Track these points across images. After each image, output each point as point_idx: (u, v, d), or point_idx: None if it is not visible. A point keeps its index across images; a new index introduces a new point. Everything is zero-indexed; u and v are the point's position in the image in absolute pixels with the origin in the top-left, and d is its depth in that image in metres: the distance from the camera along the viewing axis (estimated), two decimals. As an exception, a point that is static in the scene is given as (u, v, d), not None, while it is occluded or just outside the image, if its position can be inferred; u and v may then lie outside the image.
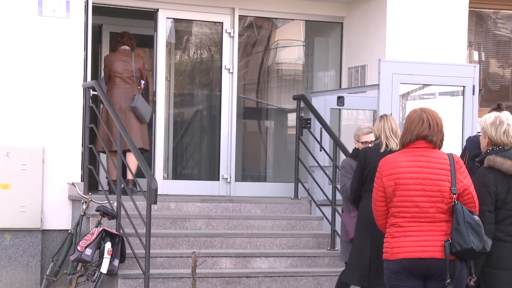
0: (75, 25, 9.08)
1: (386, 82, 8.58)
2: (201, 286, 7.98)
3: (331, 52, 11.11)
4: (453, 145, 7.06)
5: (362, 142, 7.41)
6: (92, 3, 9.35)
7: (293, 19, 11.16)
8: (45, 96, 8.96)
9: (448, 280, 4.88)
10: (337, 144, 9.10)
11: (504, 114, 5.70)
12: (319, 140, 9.69)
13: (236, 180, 10.44)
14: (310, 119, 9.82)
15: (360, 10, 10.60)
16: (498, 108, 6.23)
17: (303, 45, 11.49)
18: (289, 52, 11.71)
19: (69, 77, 9.04)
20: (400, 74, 8.71)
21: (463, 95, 8.88)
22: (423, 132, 5.04)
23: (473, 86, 8.84)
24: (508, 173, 5.33)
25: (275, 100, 11.52)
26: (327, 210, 9.05)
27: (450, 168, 4.97)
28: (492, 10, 10.98)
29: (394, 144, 6.65)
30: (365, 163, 6.72)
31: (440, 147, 5.10)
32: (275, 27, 11.42)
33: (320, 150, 9.68)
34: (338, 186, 7.79)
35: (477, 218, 4.93)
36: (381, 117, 6.81)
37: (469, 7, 10.46)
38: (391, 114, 7.80)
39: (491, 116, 5.63)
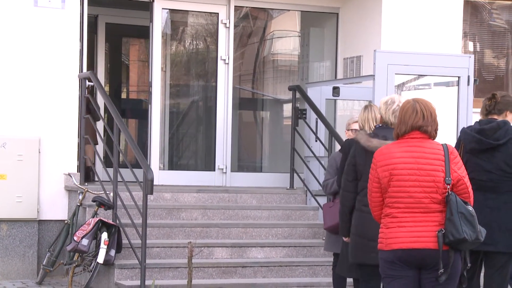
0: (70, 15, 9.07)
1: (382, 72, 8.59)
2: (197, 276, 8.00)
3: (327, 42, 11.10)
4: (448, 135, 7.07)
5: (351, 130, 7.35)
6: (88, -6, 9.35)
7: (288, 10, 11.15)
8: (41, 87, 8.96)
9: (441, 270, 4.89)
10: (333, 134, 9.12)
11: (402, 97, 5.87)
12: (314, 130, 9.70)
13: (232, 171, 10.45)
14: (305, 110, 9.83)
15: (356, 1, 10.60)
16: (493, 98, 6.21)
17: (299, 36, 11.48)
18: (285, 43, 11.71)
19: (65, 68, 9.04)
20: (395, 65, 8.71)
21: (458, 85, 8.89)
22: (417, 122, 5.03)
23: (468, 76, 8.86)
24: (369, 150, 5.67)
25: (271, 90, 11.52)
26: (323, 200, 9.06)
27: (444, 159, 4.97)
28: (487, 1, 10.98)
29: None
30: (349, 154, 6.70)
31: (434, 137, 5.09)
32: (271, 18, 11.41)
33: (316, 141, 9.69)
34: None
35: (470, 208, 4.94)
36: (366, 107, 6.63)
37: (464, -2, 10.49)
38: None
39: (389, 96, 5.95)
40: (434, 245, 4.89)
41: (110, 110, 8.43)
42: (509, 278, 6.27)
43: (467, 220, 4.88)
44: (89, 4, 9.40)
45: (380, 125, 5.97)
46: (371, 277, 5.91)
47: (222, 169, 10.35)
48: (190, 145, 11.36)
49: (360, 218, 5.91)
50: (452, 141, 6.82)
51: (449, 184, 4.92)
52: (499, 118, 6.13)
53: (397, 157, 5.01)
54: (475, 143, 6.05)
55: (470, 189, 5.01)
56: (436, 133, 5.09)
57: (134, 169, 8.28)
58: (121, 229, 8.01)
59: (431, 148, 5.01)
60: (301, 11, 11.11)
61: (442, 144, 5.04)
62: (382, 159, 5.05)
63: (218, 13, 10.46)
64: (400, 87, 9.08)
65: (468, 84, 8.81)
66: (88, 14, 9.43)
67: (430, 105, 5.10)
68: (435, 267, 4.91)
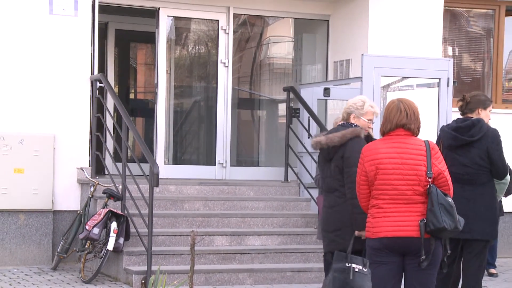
0: (82, 22, 9.06)
1: (369, 75, 8.58)
2: (199, 261, 8.00)
3: (318, 47, 11.10)
4: (429, 132, 7.07)
5: None
6: (99, 2, 9.34)
7: (283, 17, 11.14)
8: (55, 88, 8.95)
9: (423, 257, 4.90)
10: (324, 131, 9.10)
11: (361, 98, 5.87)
12: (307, 128, 9.70)
13: (231, 165, 10.45)
14: (299, 109, 9.83)
15: (345, 9, 10.59)
16: (463, 100, 6.24)
17: (292, 41, 11.48)
18: (280, 48, 11.70)
19: (77, 71, 9.03)
20: (381, 68, 8.71)
21: (438, 86, 8.89)
22: (401, 120, 5.03)
23: (448, 78, 8.86)
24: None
25: (267, 91, 11.51)
26: (315, 192, 9.07)
27: (426, 154, 4.97)
28: (464, 9, 10.98)
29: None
30: None
31: (417, 134, 5.10)
32: (267, 25, 11.40)
33: (308, 137, 9.68)
34: None
35: (450, 200, 4.94)
36: None
37: (444, 6, 10.47)
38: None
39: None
40: (416, 233, 4.90)
41: (119, 110, 8.42)
42: (485, 264, 6.28)
43: (447, 211, 4.88)
44: (99, 12, 9.39)
45: (343, 123, 5.84)
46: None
47: (222, 163, 10.35)
48: (193, 141, 11.35)
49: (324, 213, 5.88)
50: (433, 138, 6.84)
51: (430, 178, 4.93)
52: (473, 116, 6.15)
53: (382, 152, 5.01)
54: (452, 140, 6.07)
55: (450, 182, 5.01)
56: (418, 130, 5.10)
57: (141, 164, 8.28)
58: (129, 218, 8.01)
59: (413, 144, 5.01)
60: (295, 18, 11.11)
61: (424, 141, 5.04)
62: (369, 154, 5.06)
63: (218, 20, 10.46)
64: (385, 88, 9.08)
65: (447, 86, 8.82)
66: (98, 21, 9.42)
67: (413, 104, 5.10)
68: (417, 254, 4.92)
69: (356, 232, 5.41)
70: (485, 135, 6.00)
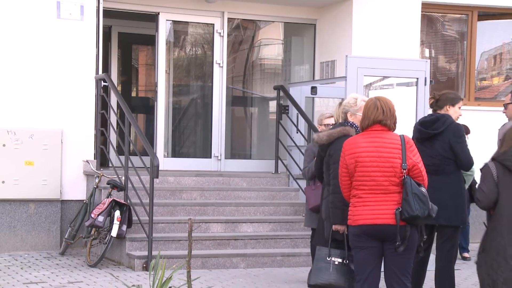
0: (88, 26, 9.04)
1: (352, 74, 8.58)
2: (196, 247, 8.02)
3: (306, 49, 11.11)
4: (407, 128, 7.09)
5: (324, 125, 7.33)
6: (103, 7, 9.31)
7: (273, 21, 11.14)
8: (63, 87, 8.94)
9: (399, 242, 4.91)
10: (311, 127, 9.13)
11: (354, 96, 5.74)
12: (295, 123, 9.70)
13: (225, 158, 10.46)
14: (288, 106, 9.83)
15: (331, 14, 10.60)
16: (433, 98, 6.27)
17: (282, 43, 11.48)
18: (270, 49, 11.70)
19: (83, 71, 9.02)
20: (364, 68, 8.71)
21: (416, 85, 8.89)
22: (378, 117, 5.04)
23: (425, 78, 8.86)
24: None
25: (259, 90, 11.52)
26: (303, 183, 9.09)
27: (401, 148, 4.97)
28: (440, 14, 11.00)
29: None
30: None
31: (393, 129, 5.10)
32: (258, 28, 11.40)
33: (297, 132, 9.70)
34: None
35: (423, 189, 4.95)
36: (340, 104, 6.62)
37: (422, 11, 10.49)
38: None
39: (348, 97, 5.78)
40: (393, 221, 4.91)
41: (122, 107, 8.42)
42: (457, 248, 6.32)
43: (420, 200, 4.90)
44: (104, 17, 9.37)
45: (340, 122, 5.75)
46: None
47: (217, 156, 10.36)
48: (190, 136, 11.35)
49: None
50: (410, 133, 6.87)
51: (405, 169, 4.94)
52: (442, 112, 6.19)
53: (361, 146, 5.02)
54: (418, 133, 6.13)
55: (424, 173, 5.02)
56: (395, 125, 5.10)
57: (142, 157, 8.29)
58: (131, 207, 8.02)
59: (389, 139, 5.02)
60: (284, 22, 11.11)
61: (400, 135, 5.05)
62: (349, 148, 5.07)
63: (214, 24, 10.45)
64: (368, 87, 9.08)
65: (425, 85, 8.83)
66: (103, 25, 9.39)
67: (389, 102, 5.10)
68: (394, 239, 4.93)
69: (333, 226, 5.40)
70: (447, 128, 6.01)
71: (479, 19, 10.99)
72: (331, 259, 5.22)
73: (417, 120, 6.32)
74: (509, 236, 5.16)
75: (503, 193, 5.20)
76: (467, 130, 8.70)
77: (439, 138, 6.00)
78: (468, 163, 6.02)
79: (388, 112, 5.03)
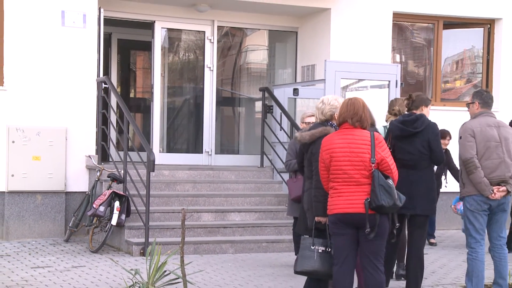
0: (90, 33, 9.01)
1: (330, 77, 8.61)
2: (188, 234, 8.01)
3: (288, 54, 11.12)
4: (380, 126, 7.12)
5: (305, 123, 7.31)
6: (104, 16, 9.28)
7: (259, 29, 11.14)
8: (67, 88, 8.90)
9: (368, 229, 4.92)
10: (293, 125, 9.15)
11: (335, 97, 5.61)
12: (279, 122, 9.72)
13: (215, 153, 10.46)
14: (272, 106, 9.84)
15: (311, 23, 10.62)
16: (410, 98, 6.29)
17: (267, 49, 11.48)
18: (256, 55, 11.70)
19: (85, 74, 8.99)
20: (341, 71, 8.73)
21: (388, 87, 8.94)
22: (347, 116, 5.06)
23: (396, 81, 8.90)
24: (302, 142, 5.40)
25: (246, 91, 11.52)
26: (286, 176, 9.11)
27: (370, 143, 4.99)
28: (409, 23, 11.04)
29: None
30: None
31: (365, 127, 5.10)
32: (245, 35, 11.40)
33: (280, 130, 9.71)
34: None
35: (390, 182, 4.94)
36: (322, 101, 6.55)
37: (393, 21, 10.54)
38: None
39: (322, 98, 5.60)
40: (363, 210, 4.93)
41: (121, 106, 8.39)
42: (426, 235, 6.35)
43: (386, 191, 4.90)
44: (104, 24, 9.34)
45: (324, 122, 5.64)
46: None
47: (208, 152, 10.35)
48: (183, 133, 11.34)
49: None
50: (383, 131, 6.90)
51: (373, 163, 4.95)
52: (417, 112, 6.22)
53: (335, 143, 5.03)
54: (399, 131, 6.13)
55: (392, 166, 5.01)
56: (367, 123, 5.10)
57: (140, 152, 8.28)
58: (129, 198, 8.00)
59: (360, 136, 5.03)
60: (269, 30, 11.11)
61: (370, 132, 5.06)
62: (325, 144, 5.09)
63: (204, 31, 10.44)
64: (344, 88, 9.10)
65: (396, 87, 8.86)
66: (104, 32, 9.36)
67: (361, 102, 5.10)
68: (365, 227, 4.95)
69: (316, 218, 5.40)
70: (427, 127, 6.06)
71: (444, 28, 11.05)
72: (315, 247, 5.22)
73: (394, 120, 6.33)
74: None
75: None
76: (448, 135, 8.87)
77: (419, 136, 6.04)
78: (441, 158, 6.11)
79: (359, 111, 5.03)
